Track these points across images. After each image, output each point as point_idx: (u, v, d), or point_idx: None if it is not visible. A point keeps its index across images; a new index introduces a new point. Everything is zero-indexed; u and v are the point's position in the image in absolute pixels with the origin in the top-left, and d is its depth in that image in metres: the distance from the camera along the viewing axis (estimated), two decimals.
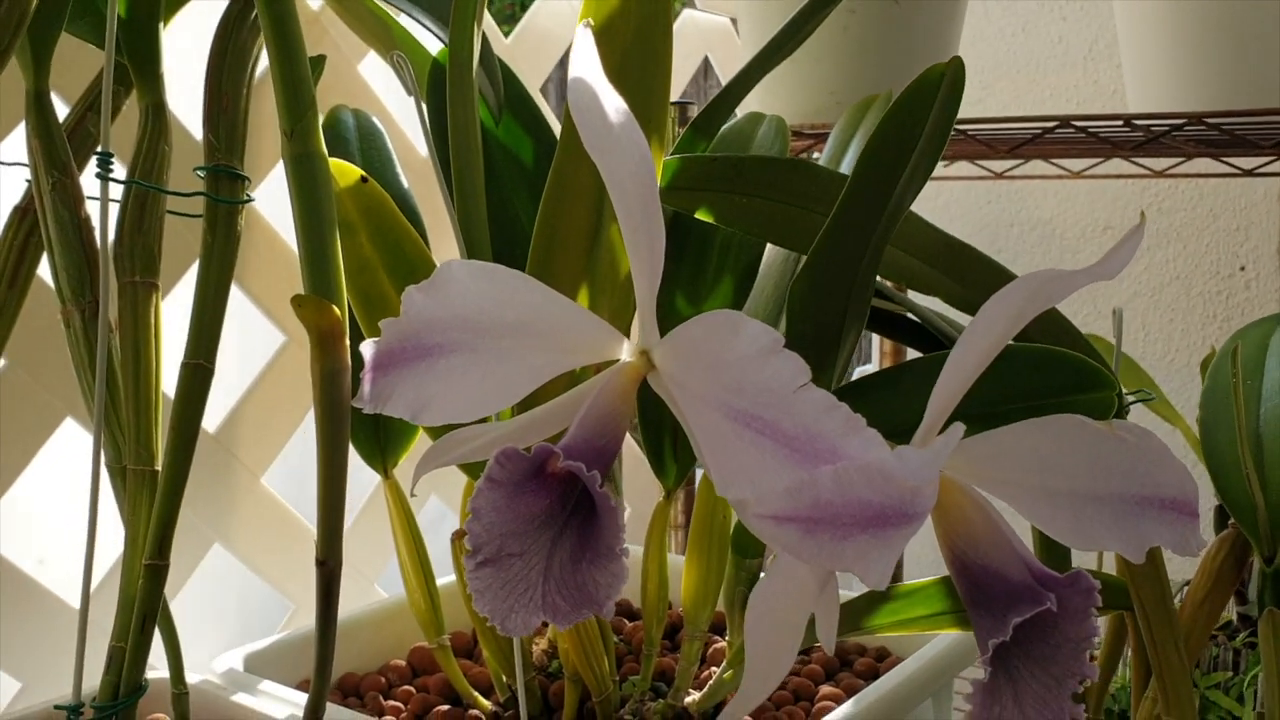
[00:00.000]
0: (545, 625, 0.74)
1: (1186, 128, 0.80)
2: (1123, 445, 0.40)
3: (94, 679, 0.52)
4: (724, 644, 0.74)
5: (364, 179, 0.56)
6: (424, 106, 0.65)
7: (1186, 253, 1.36)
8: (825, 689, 0.70)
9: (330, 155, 0.48)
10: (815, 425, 0.35)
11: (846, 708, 0.62)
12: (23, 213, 0.56)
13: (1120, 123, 0.81)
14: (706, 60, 1.31)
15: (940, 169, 1.26)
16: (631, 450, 1.04)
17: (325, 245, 0.42)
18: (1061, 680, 0.39)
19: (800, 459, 0.35)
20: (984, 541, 0.39)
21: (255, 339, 0.87)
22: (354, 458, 0.72)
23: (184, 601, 0.80)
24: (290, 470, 0.89)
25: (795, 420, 0.35)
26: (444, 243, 0.65)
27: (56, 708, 0.48)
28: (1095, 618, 0.38)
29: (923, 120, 0.46)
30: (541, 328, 0.41)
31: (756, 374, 0.36)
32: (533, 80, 1.06)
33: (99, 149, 0.48)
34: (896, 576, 1.26)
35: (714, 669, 0.72)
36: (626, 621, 0.80)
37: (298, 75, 0.42)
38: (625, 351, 0.42)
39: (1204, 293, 1.36)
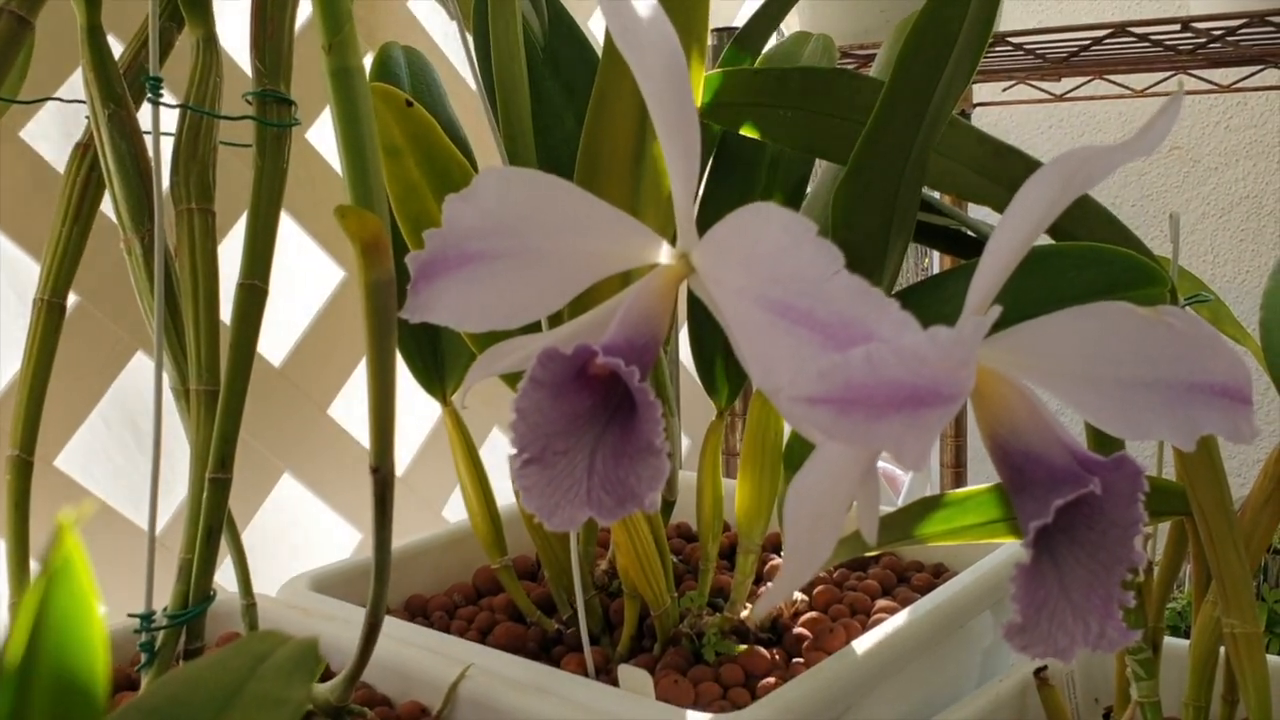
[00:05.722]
0: (606, 549, 0.76)
1: (1245, 29, 0.77)
2: (1170, 331, 0.39)
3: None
4: (778, 561, 0.74)
5: (409, 103, 0.57)
6: (469, 37, 0.65)
7: (1256, 171, 1.32)
8: (881, 602, 0.71)
9: None
10: (849, 311, 0.35)
11: (901, 617, 0.62)
12: (83, 149, 0.58)
13: (1178, 27, 0.79)
14: None
15: (998, 93, 1.24)
16: (687, 381, 1.04)
17: (366, 159, 0.43)
18: (1110, 567, 0.39)
19: (835, 345, 0.35)
20: (1025, 428, 0.39)
21: (317, 273, 0.89)
22: (414, 388, 0.73)
23: (255, 531, 0.83)
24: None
25: (829, 307, 0.36)
26: None
27: (130, 615, 0.50)
28: (1142, 503, 0.38)
29: (961, 13, 0.46)
30: (580, 231, 0.42)
31: (790, 263, 0.36)
32: (581, 12, 1.06)
33: (149, 75, 0.50)
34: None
35: (769, 585, 0.73)
36: (685, 543, 0.81)
37: None
38: (665, 255, 0.43)
39: (1275, 212, 1.32)
